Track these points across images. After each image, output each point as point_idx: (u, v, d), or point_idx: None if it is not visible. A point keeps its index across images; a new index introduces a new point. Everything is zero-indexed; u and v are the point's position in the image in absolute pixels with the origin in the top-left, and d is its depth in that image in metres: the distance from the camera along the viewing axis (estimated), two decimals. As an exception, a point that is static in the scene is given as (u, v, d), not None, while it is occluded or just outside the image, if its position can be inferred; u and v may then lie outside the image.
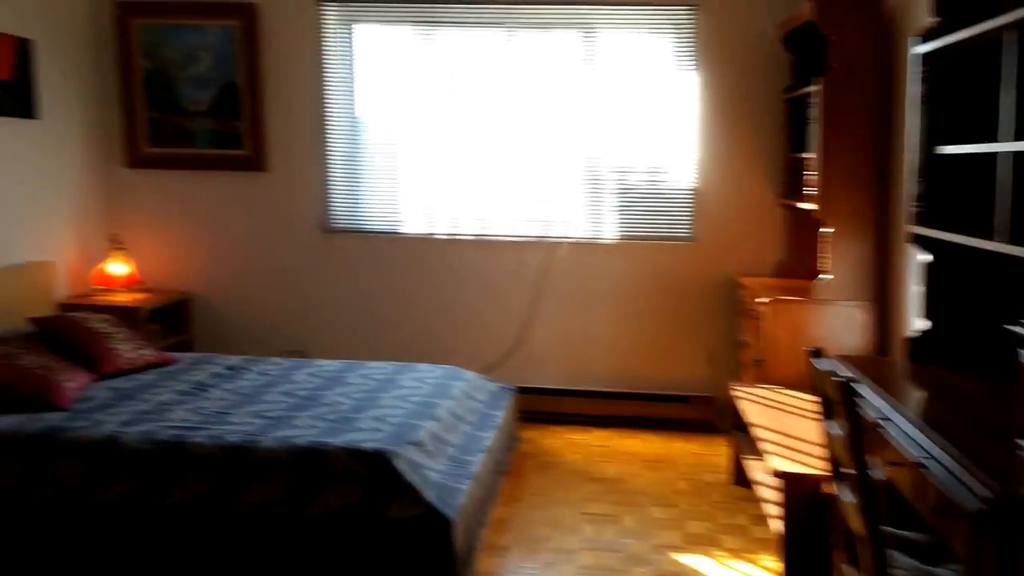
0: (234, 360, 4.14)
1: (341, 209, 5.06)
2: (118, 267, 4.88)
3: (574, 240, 4.88)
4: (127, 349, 3.89)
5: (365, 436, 3.11)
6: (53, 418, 3.22)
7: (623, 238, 4.85)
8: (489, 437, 3.59)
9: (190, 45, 4.96)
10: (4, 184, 4.34)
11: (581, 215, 4.88)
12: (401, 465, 2.95)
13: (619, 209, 4.84)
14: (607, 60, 4.75)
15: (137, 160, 5.10)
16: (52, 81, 4.64)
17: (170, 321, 4.96)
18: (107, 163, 5.10)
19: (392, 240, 5.03)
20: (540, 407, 4.82)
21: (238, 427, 3.18)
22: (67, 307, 4.60)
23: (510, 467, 3.99)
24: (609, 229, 4.86)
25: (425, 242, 5.00)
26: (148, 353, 3.98)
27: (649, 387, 4.87)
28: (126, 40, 4.99)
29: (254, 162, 5.02)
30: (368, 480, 2.91)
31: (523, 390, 4.54)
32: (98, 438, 3.07)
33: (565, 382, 4.93)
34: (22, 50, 4.41)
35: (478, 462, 3.31)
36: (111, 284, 4.86)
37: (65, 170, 4.81)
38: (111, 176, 5.12)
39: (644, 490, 3.94)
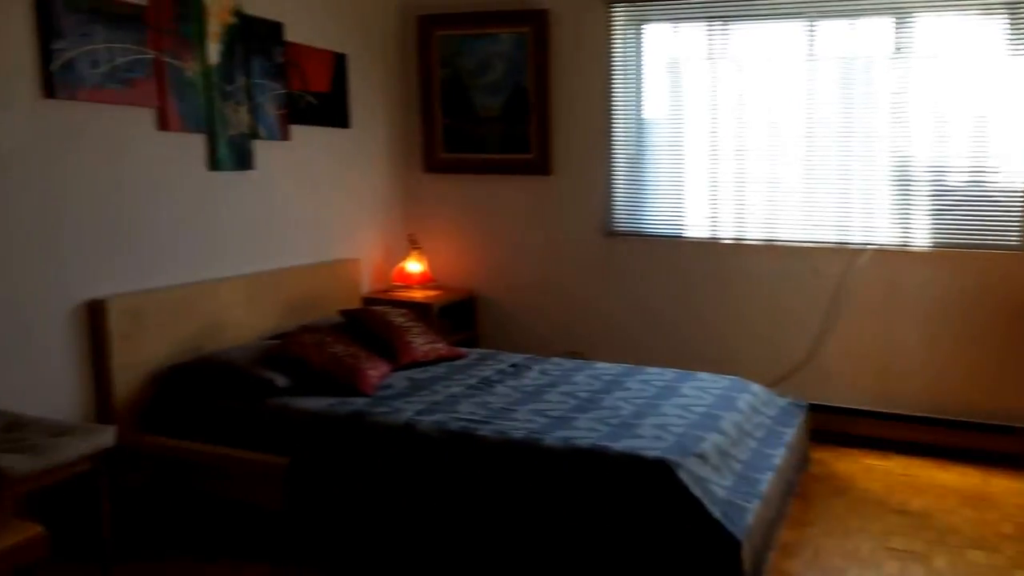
0: (517, 358, 4.21)
1: (624, 212, 5.01)
2: (415, 265, 5.16)
3: (879, 247, 4.47)
4: (422, 343, 4.08)
5: (646, 443, 3.01)
6: (358, 403, 3.43)
7: (938, 245, 4.36)
8: (778, 455, 3.37)
9: (484, 53, 5.15)
10: (323, 189, 4.74)
11: (888, 219, 4.46)
12: (685, 477, 2.82)
13: (934, 213, 4.36)
14: (923, 47, 4.31)
15: (433, 165, 5.37)
16: (362, 92, 5.00)
17: (457, 317, 5.17)
18: (408, 168, 5.42)
19: (675, 244, 4.90)
20: (833, 427, 4.47)
21: (521, 424, 3.22)
22: (369, 301, 4.93)
23: (800, 489, 3.73)
24: (921, 235, 4.39)
25: (710, 246, 4.82)
26: (440, 347, 4.16)
27: (965, 414, 4.34)
28: (427, 51, 5.26)
29: (540, 166, 5.11)
30: (649, 489, 2.82)
31: (814, 407, 4.24)
32: (397, 424, 3.23)
33: (863, 402, 4.54)
34: (339, 64, 4.80)
35: (767, 481, 3.11)
36: (408, 281, 5.15)
37: (372, 175, 5.18)
38: (410, 180, 5.43)
39: (958, 529, 3.50)
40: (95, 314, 3.40)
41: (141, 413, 3.54)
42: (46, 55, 3.18)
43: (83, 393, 3.39)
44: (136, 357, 3.52)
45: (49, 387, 3.26)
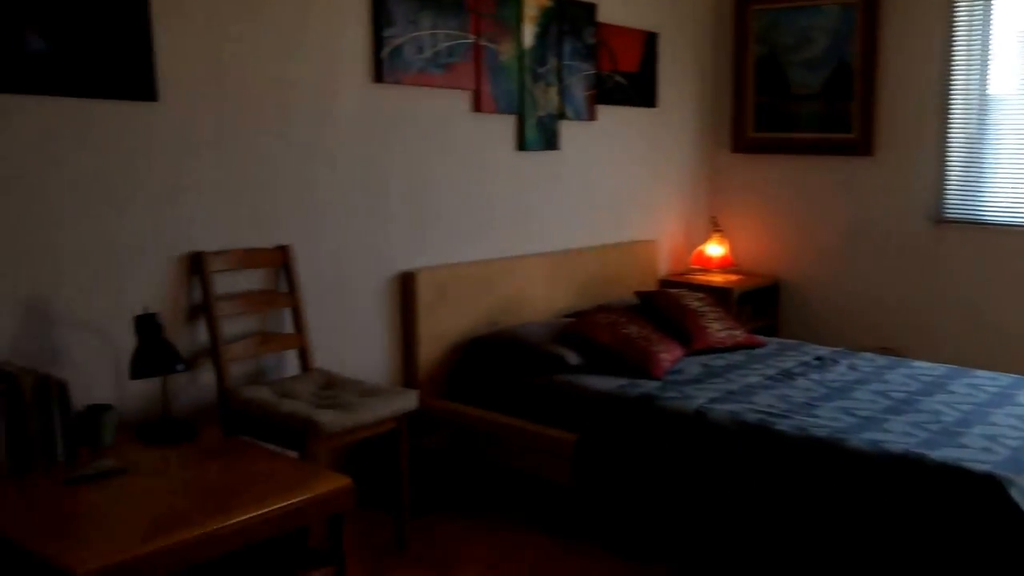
0: (823, 351, 3.92)
1: (958, 198, 4.49)
2: (715, 248, 5.00)
3: None
4: (718, 328, 3.93)
5: (972, 455, 2.66)
6: (648, 386, 3.37)
7: None
8: None
9: (805, 27, 4.84)
10: (626, 169, 4.72)
11: None
12: (1019, 497, 2.45)
13: None
14: None
15: (741, 145, 5.16)
16: (671, 71, 4.91)
17: (758, 304, 4.94)
18: (714, 148, 5.25)
19: (1021, 234, 4.30)
20: None
21: (824, 421, 2.97)
22: (666, 283, 4.86)
23: None
24: None
25: (1065, 238, 4.18)
26: (737, 334, 3.98)
27: None
28: (742, 27, 5.05)
29: (860, 146, 4.71)
30: (974, 507, 2.48)
31: None
32: (688, 411, 3.13)
33: None
34: (649, 43, 4.73)
35: None
36: (707, 264, 5.01)
37: (676, 155, 5.07)
38: (716, 161, 5.26)
39: None
40: (406, 285, 3.63)
41: (441, 380, 3.74)
42: (378, 42, 3.42)
43: (392, 358, 3.65)
44: (439, 327, 3.72)
45: (363, 351, 3.53)
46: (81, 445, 2.47)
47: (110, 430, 2.54)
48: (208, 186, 2.99)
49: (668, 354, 3.61)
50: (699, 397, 3.22)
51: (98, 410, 2.54)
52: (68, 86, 2.62)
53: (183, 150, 2.91)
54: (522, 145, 4.10)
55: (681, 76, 5.00)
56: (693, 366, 3.64)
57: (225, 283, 3.03)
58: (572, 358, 3.56)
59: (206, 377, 3.00)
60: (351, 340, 3.48)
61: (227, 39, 2.99)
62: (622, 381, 3.41)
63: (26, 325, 2.58)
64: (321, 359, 3.29)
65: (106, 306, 2.74)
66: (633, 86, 4.69)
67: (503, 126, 4.02)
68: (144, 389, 2.80)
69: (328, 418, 2.75)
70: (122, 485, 2.29)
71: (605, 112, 4.52)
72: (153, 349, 2.60)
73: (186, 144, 2.92)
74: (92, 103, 2.68)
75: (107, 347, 2.73)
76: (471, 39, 3.77)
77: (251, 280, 3.14)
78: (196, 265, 2.95)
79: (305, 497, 2.28)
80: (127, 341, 2.66)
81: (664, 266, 5.04)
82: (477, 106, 3.86)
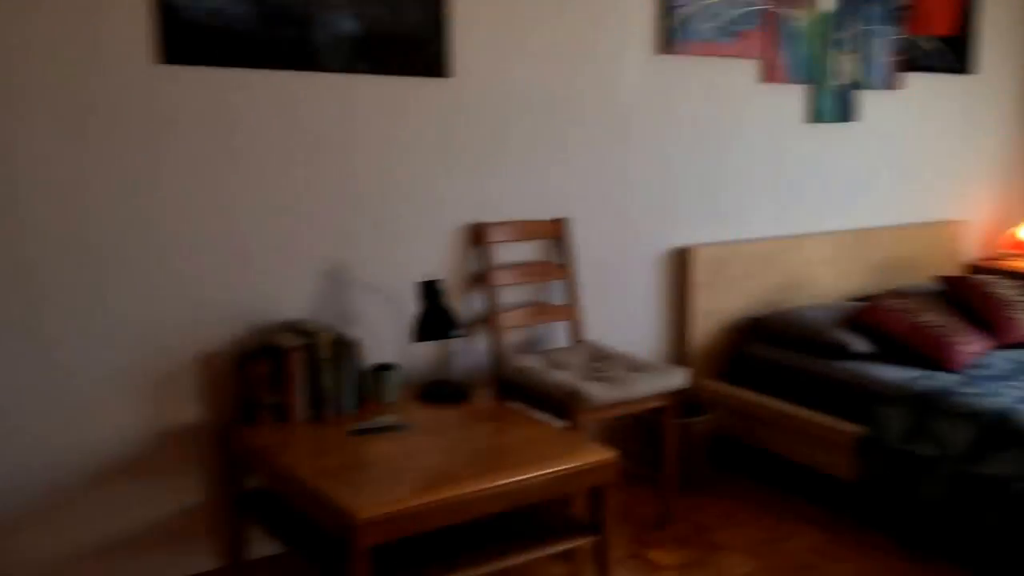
0: None
1: None
2: (1035, 232, 4.43)
3: None
4: (1033, 321, 3.47)
5: None
6: (944, 379, 3.07)
7: None
8: None
9: None
10: (932, 142, 4.32)
11: None
12: None
13: None
14: None
15: (1080, 113, 4.51)
16: (993, 33, 4.40)
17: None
18: (1045, 118, 4.64)
19: None
20: None
21: None
22: (978, 269, 4.38)
23: None
24: None
25: None
26: (1055, 330, 3.49)
27: None
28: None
29: None
30: None
31: None
32: (989, 409, 2.81)
33: None
34: (968, 3, 4.25)
35: None
36: (1022, 249, 4.45)
37: (993, 127, 4.55)
38: (1046, 132, 4.65)
39: None
40: (682, 261, 3.57)
41: (712, 359, 3.64)
42: (666, 11, 3.36)
43: (663, 335, 3.60)
44: (714, 305, 3.62)
45: (634, 325, 3.51)
46: (367, 400, 2.70)
47: (394, 388, 2.74)
48: (493, 158, 3.10)
49: (969, 346, 3.25)
50: (1005, 396, 2.88)
51: (384, 368, 2.75)
52: (373, 63, 2.82)
53: (471, 124, 3.04)
54: (814, 117, 3.86)
55: (1006, 39, 4.44)
56: (1002, 361, 3.26)
57: (503, 253, 3.14)
58: (857, 345, 3.32)
59: (481, 343, 3.14)
60: (622, 314, 3.48)
61: (516, 16, 3.07)
62: (914, 373, 3.13)
63: (325, 288, 2.83)
64: (591, 332, 3.32)
65: (394, 272, 2.93)
66: (946, 51, 4.24)
67: (794, 97, 3.80)
68: (426, 351, 2.99)
69: (595, 391, 2.77)
70: (402, 440, 2.46)
71: (912, 80, 4.14)
72: (434, 314, 2.75)
73: (474, 118, 3.04)
74: (391, 80, 2.86)
75: (395, 311, 2.93)
76: (764, 6, 3.59)
77: (527, 251, 3.23)
78: (477, 235, 3.09)
79: (570, 466, 2.32)
80: (412, 306, 2.85)
81: (970, 249, 4.54)
82: (767, 76, 3.69)
